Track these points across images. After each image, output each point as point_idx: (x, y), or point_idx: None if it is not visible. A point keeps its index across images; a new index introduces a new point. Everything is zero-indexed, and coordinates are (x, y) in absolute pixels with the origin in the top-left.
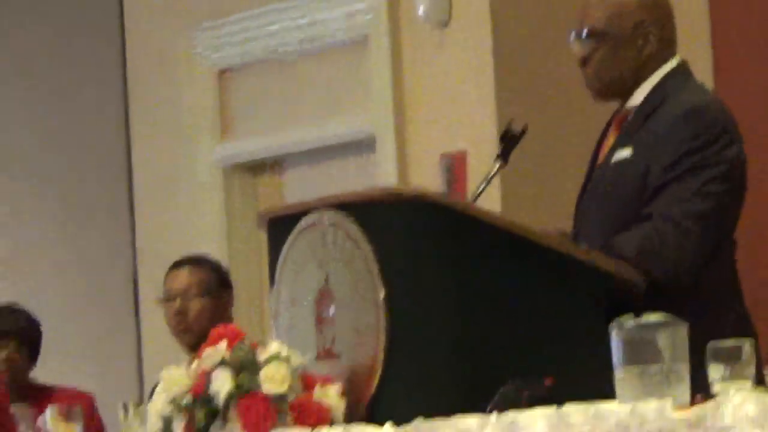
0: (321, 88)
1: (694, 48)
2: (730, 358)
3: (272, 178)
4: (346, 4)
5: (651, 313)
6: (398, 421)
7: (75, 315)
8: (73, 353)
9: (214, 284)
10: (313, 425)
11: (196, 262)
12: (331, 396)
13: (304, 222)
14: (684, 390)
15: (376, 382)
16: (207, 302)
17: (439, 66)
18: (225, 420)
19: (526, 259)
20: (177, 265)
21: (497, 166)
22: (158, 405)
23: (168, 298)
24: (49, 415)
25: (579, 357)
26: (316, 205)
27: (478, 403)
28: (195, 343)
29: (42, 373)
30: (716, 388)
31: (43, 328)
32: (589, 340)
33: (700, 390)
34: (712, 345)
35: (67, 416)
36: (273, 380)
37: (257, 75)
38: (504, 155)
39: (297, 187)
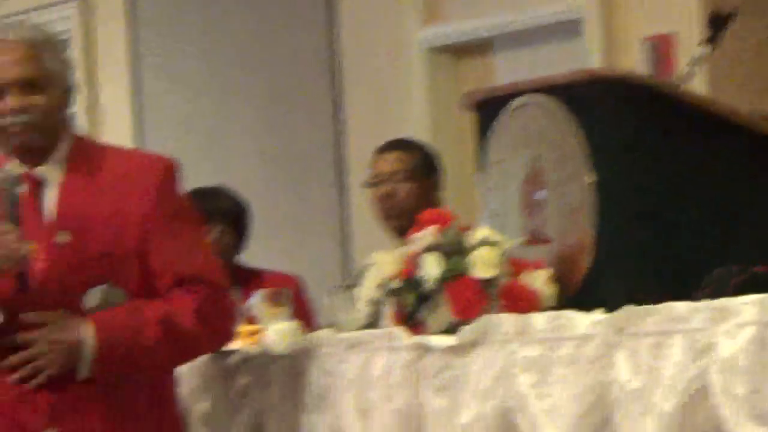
0: None
1: None
2: None
3: (478, 60)
4: None
5: None
6: (608, 307)
7: (281, 199)
8: (280, 237)
9: (423, 168)
10: (523, 310)
11: (404, 145)
12: (541, 281)
13: (512, 104)
14: None
15: (585, 267)
16: (415, 186)
17: None
18: (434, 304)
19: (735, 143)
20: (385, 148)
21: (705, 49)
22: (367, 289)
23: (375, 182)
24: (257, 299)
25: None
26: (524, 87)
27: (687, 288)
28: (402, 228)
29: (249, 256)
30: None
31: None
32: None
33: None
34: None
35: (274, 300)
36: (482, 264)
37: None
38: (712, 39)
39: (503, 70)
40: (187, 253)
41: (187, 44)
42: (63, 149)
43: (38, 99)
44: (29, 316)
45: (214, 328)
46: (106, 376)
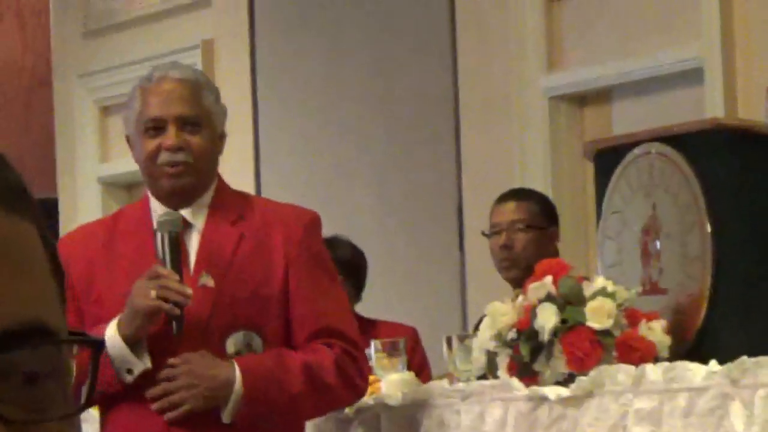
0: (649, 18)
1: None
2: None
3: (599, 108)
4: None
5: None
6: (724, 358)
7: (399, 247)
8: (397, 286)
9: (541, 218)
10: (638, 362)
11: (522, 195)
12: (657, 331)
13: (631, 153)
14: None
15: (702, 317)
16: (533, 236)
17: None
18: (549, 355)
19: None
20: (503, 198)
21: None
22: (483, 339)
23: (494, 232)
24: (373, 350)
25: None
26: (644, 136)
27: None
28: (519, 278)
29: (366, 305)
30: None
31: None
32: None
33: None
34: None
35: (390, 350)
36: (599, 315)
37: (585, 4)
38: None
39: (624, 119)
40: (327, 306)
41: (306, 89)
42: (209, 194)
43: (196, 139)
44: (176, 359)
45: (352, 383)
46: (248, 420)
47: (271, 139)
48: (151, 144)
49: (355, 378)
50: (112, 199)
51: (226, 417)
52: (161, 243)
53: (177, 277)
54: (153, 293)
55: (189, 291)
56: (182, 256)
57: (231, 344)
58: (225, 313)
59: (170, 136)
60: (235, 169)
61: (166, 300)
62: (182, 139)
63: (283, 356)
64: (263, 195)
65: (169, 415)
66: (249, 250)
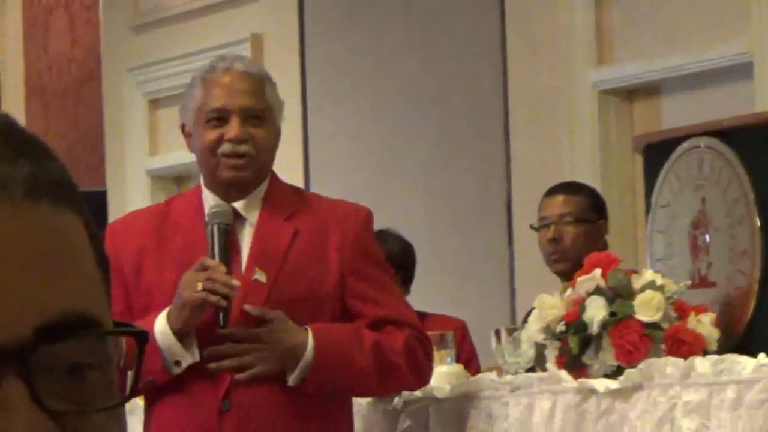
0: (698, 12)
1: None
2: None
3: (648, 103)
4: None
5: None
6: None
7: (448, 241)
8: (446, 280)
9: (590, 211)
10: (687, 354)
11: (572, 188)
12: (705, 325)
13: (681, 148)
14: None
15: (750, 311)
16: (582, 229)
17: None
18: (598, 348)
19: None
20: (552, 191)
21: None
22: (531, 332)
23: (542, 225)
24: None
25: None
26: (694, 130)
27: None
28: (568, 271)
29: (415, 299)
30: None
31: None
32: None
33: None
34: None
35: (439, 343)
36: (647, 308)
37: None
38: None
39: (673, 113)
40: (385, 299)
41: (355, 86)
42: (263, 187)
43: (259, 132)
44: (255, 310)
45: (418, 367)
46: (315, 388)
47: (320, 135)
48: (213, 134)
49: (423, 362)
50: (161, 192)
51: (292, 380)
52: (211, 235)
53: (224, 269)
54: (200, 285)
55: (236, 283)
56: (234, 249)
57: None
58: (278, 309)
59: (234, 128)
60: (284, 164)
61: (213, 292)
62: (246, 131)
63: (357, 331)
64: (312, 190)
65: (238, 376)
66: (304, 247)
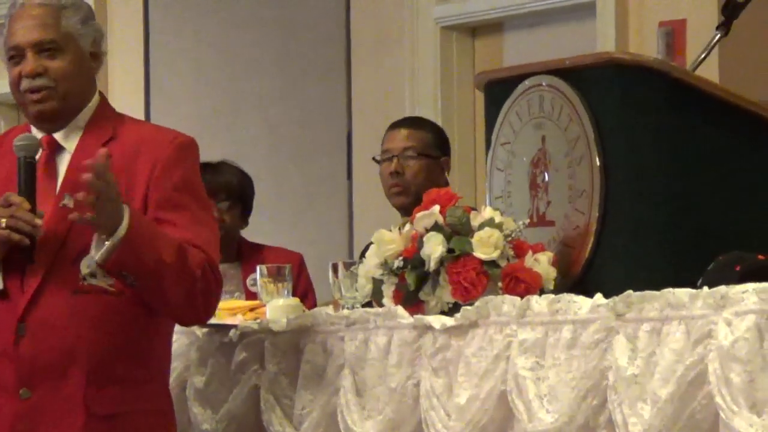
0: None
1: None
2: None
3: (491, 40)
4: None
5: None
6: (609, 292)
7: (288, 173)
8: (284, 212)
9: (433, 147)
10: (524, 293)
11: (416, 123)
12: (543, 264)
13: (522, 85)
14: None
15: (588, 250)
16: (424, 164)
17: None
18: (435, 284)
19: (743, 130)
20: (396, 125)
21: (717, 35)
22: (369, 267)
23: (385, 158)
24: (259, 274)
25: None
26: (536, 69)
27: (689, 276)
28: (408, 205)
29: (252, 231)
30: None
31: (255, 186)
32: None
33: None
34: None
35: (275, 275)
36: (485, 246)
37: None
38: (725, 25)
39: (515, 51)
40: (189, 226)
41: (198, 18)
42: (85, 115)
43: (56, 63)
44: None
45: (207, 294)
46: (116, 265)
47: (162, 68)
48: (14, 71)
49: (212, 291)
50: (2, 119)
51: (99, 257)
52: (18, 169)
53: (28, 206)
54: (3, 222)
55: (38, 222)
56: (52, 179)
57: (84, 265)
58: (81, 233)
59: (28, 63)
60: (125, 92)
61: (16, 230)
62: (39, 64)
63: (165, 230)
64: (153, 121)
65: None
66: (114, 171)
